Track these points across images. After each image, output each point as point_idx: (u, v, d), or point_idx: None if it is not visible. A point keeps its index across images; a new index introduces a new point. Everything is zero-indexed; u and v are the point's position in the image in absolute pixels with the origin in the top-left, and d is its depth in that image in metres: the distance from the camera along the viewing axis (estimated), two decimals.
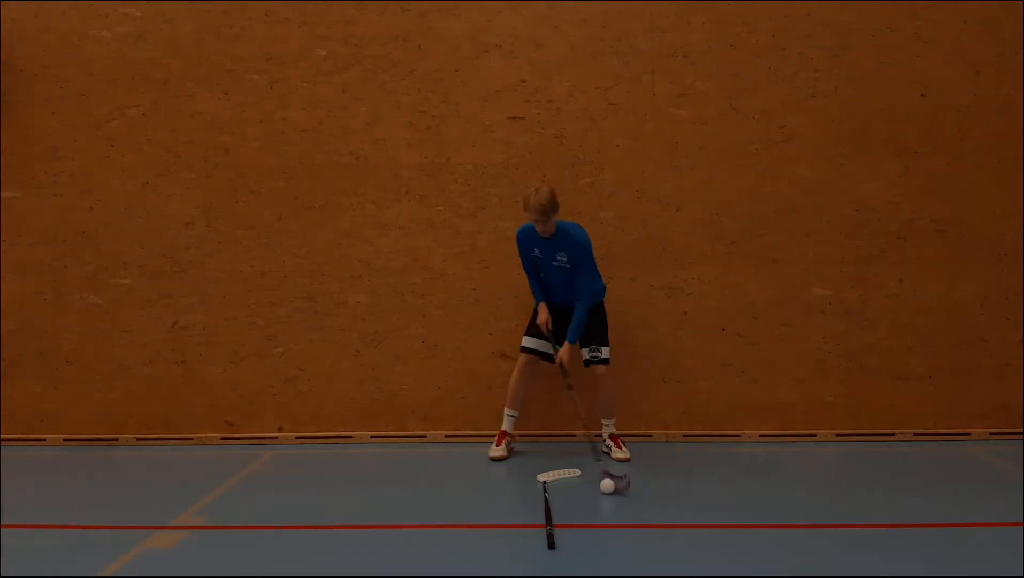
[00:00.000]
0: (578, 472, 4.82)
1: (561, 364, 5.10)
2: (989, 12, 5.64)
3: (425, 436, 5.74)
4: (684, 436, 5.70)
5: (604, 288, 5.30)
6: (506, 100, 5.74)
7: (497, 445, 5.27)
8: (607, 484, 4.43)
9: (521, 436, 5.61)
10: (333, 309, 5.77)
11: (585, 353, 5.21)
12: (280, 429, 5.78)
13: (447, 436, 5.73)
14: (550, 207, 4.92)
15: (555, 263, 5.13)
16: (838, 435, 5.66)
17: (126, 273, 5.79)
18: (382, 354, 5.77)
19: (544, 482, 4.61)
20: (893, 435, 5.65)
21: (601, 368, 5.18)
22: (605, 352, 5.19)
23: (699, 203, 5.70)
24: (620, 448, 5.23)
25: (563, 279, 5.17)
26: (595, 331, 5.20)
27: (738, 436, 5.68)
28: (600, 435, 5.38)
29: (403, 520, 4.06)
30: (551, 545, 3.61)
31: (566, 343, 5.12)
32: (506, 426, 5.33)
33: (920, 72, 5.66)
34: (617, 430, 5.38)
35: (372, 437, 5.74)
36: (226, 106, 5.77)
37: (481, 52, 5.75)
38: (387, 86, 5.77)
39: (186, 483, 4.74)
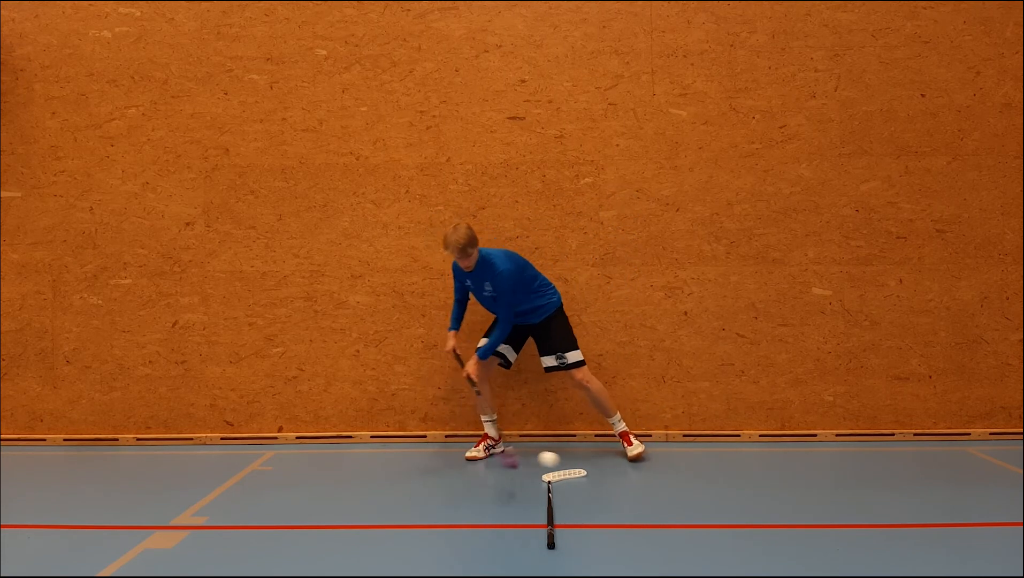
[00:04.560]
0: (583, 472, 4.82)
1: (468, 377, 5.07)
2: (989, 12, 5.65)
3: (425, 436, 5.74)
4: (684, 436, 5.70)
5: (558, 297, 5.28)
6: (506, 100, 5.74)
7: (475, 447, 5.32)
8: (548, 457, 4.46)
9: (521, 436, 5.63)
10: (333, 309, 5.77)
11: (550, 360, 5.18)
12: (280, 429, 5.78)
13: (447, 436, 5.73)
14: (468, 244, 4.92)
15: (485, 292, 5.15)
16: (838, 435, 5.66)
17: (126, 273, 5.79)
18: (382, 354, 5.77)
19: (549, 482, 4.61)
20: (893, 435, 5.66)
21: (577, 373, 5.15)
22: (572, 356, 5.16)
23: (699, 203, 5.71)
24: (631, 444, 5.18)
25: (496, 304, 5.15)
26: (557, 338, 5.18)
27: (738, 436, 5.68)
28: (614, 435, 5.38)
29: (403, 520, 4.06)
30: (551, 545, 3.61)
31: (474, 356, 5.11)
32: (488, 430, 5.35)
33: (920, 72, 5.66)
34: (627, 427, 5.35)
35: (372, 437, 5.74)
36: (226, 106, 5.78)
37: (481, 52, 5.75)
38: (387, 86, 5.77)
39: (186, 483, 4.74)
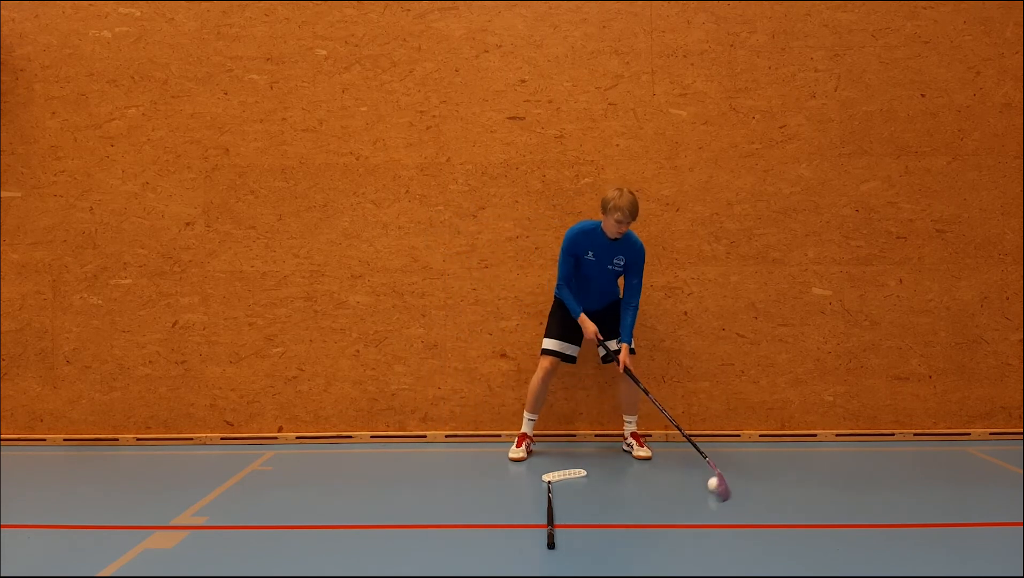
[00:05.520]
0: (583, 472, 4.82)
1: (627, 369, 5.06)
2: (989, 12, 5.65)
3: (425, 436, 5.74)
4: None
5: None
6: (506, 100, 5.74)
7: (517, 446, 5.26)
8: (712, 482, 4.39)
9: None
10: (333, 309, 5.77)
11: (613, 344, 5.20)
12: (280, 429, 5.78)
13: (447, 436, 5.73)
14: (638, 212, 5.02)
15: (610, 266, 5.15)
16: (838, 435, 5.66)
17: (126, 273, 5.79)
18: (382, 354, 5.77)
19: (549, 482, 4.61)
20: (893, 435, 5.66)
21: (630, 361, 5.17)
22: (632, 343, 5.23)
23: (699, 203, 5.71)
24: (643, 446, 5.24)
25: (606, 282, 5.20)
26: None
27: (738, 436, 5.69)
28: (622, 434, 5.43)
29: (403, 520, 4.06)
30: (551, 545, 3.61)
31: (624, 347, 5.07)
32: (526, 429, 5.32)
33: (920, 72, 5.66)
34: (639, 429, 5.44)
35: (372, 437, 5.74)
36: (226, 106, 5.78)
37: (481, 52, 5.75)
38: (387, 86, 5.77)
39: (186, 483, 4.74)
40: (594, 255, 5.14)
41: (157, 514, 4.12)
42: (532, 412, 5.31)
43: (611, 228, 5.01)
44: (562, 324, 5.25)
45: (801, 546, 3.65)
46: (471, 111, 5.74)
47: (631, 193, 4.98)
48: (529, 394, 5.28)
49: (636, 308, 5.15)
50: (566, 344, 5.26)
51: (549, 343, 5.26)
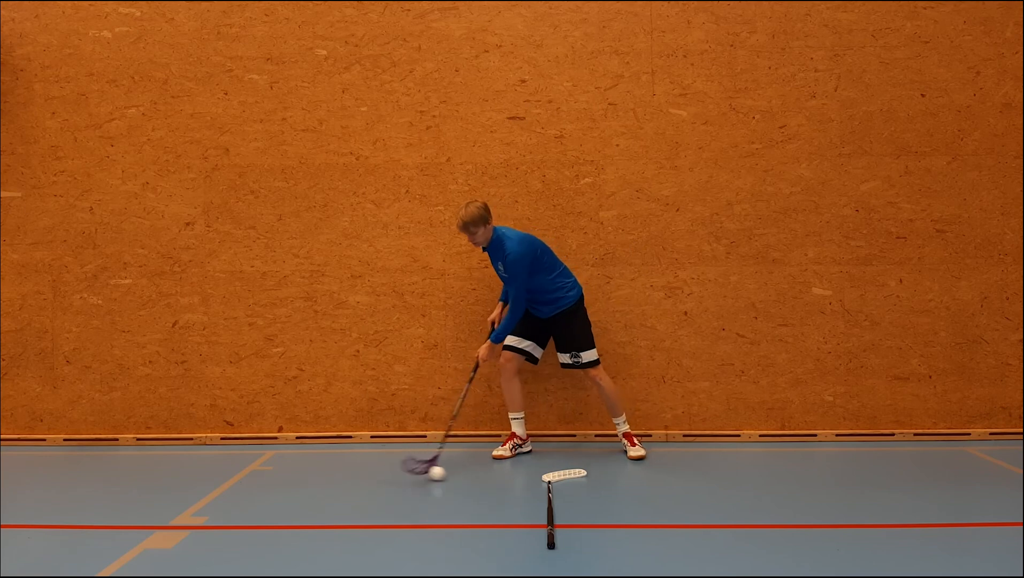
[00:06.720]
0: (583, 472, 4.82)
1: (476, 364, 5.22)
2: (989, 12, 5.65)
3: (425, 436, 5.74)
4: (684, 436, 5.70)
5: (577, 293, 5.26)
6: (506, 100, 5.74)
7: (503, 445, 5.31)
8: (436, 471, 4.69)
9: (529, 436, 5.64)
10: (333, 309, 5.77)
11: (565, 357, 5.23)
12: (280, 429, 5.78)
13: (447, 436, 5.72)
14: (470, 222, 4.98)
15: (499, 272, 5.21)
16: (838, 435, 5.66)
17: (126, 273, 5.79)
18: (382, 354, 5.77)
19: (549, 482, 4.61)
20: (893, 435, 5.66)
21: (591, 371, 5.20)
22: (587, 356, 5.19)
23: (699, 203, 5.70)
24: (635, 445, 5.24)
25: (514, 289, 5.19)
26: (574, 335, 5.20)
27: (738, 436, 5.68)
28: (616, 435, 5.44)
29: (403, 520, 4.06)
30: (551, 545, 3.61)
31: (488, 343, 5.16)
32: (513, 428, 5.36)
33: (920, 72, 5.66)
34: (630, 428, 5.43)
35: (372, 437, 5.74)
36: (226, 106, 5.78)
37: (481, 52, 5.75)
38: (387, 86, 5.77)
39: (186, 483, 4.74)
40: (491, 259, 5.24)
41: (157, 514, 4.12)
42: (512, 411, 5.35)
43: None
44: (520, 322, 5.24)
45: (801, 546, 3.65)
46: (471, 111, 5.74)
47: (467, 205, 5.02)
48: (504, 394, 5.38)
49: (513, 313, 5.05)
50: (518, 338, 5.27)
51: (507, 339, 5.28)
